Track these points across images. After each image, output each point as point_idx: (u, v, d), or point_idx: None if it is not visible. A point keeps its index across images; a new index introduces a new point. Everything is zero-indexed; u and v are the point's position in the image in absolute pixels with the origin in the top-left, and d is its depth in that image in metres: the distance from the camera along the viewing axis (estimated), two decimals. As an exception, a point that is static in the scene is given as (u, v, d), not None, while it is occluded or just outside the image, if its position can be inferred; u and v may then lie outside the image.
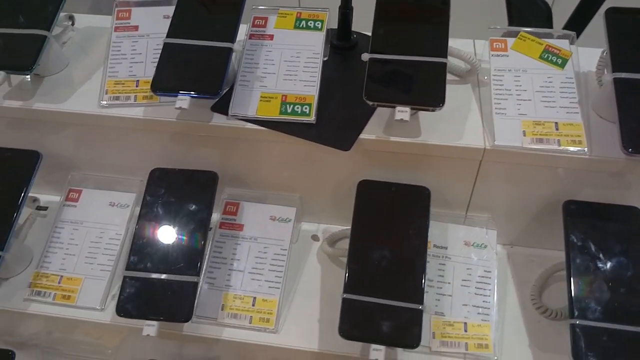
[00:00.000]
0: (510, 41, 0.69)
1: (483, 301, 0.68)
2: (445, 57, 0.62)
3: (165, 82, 0.64)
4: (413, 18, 0.66)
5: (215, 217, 0.72)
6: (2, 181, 0.71)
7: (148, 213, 0.68)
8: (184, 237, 0.67)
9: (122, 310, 0.64)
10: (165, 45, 0.67)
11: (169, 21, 0.68)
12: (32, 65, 0.66)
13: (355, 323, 0.61)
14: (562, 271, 0.70)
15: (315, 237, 0.78)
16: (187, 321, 0.63)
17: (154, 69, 0.68)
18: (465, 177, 0.69)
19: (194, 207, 0.68)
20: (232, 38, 0.66)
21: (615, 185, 0.66)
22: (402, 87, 0.61)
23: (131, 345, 0.77)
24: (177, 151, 0.73)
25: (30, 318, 0.74)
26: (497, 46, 0.69)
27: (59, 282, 0.71)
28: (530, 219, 0.73)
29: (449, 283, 0.69)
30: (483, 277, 0.69)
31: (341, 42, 0.73)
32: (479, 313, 0.67)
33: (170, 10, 0.70)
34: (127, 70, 0.70)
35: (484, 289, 0.68)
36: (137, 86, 0.69)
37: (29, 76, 0.72)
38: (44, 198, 0.80)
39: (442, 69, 0.62)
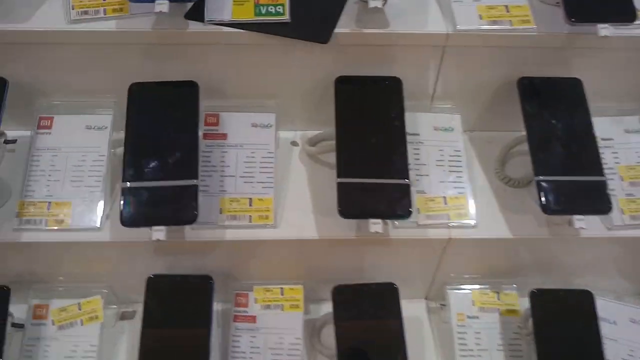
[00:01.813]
0: None
1: (457, 177, 0.75)
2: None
3: (140, -12, 0.64)
4: None
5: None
6: (-31, 111, 0.68)
7: (135, 126, 0.69)
8: (176, 144, 0.68)
9: (128, 220, 0.65)
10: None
11: None
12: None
13: (352, 203, 0.67)
14: (519, 146, 0.80)
15: (294, 143, 0.81)
16: (192, 222, 0.65)
17: (119, -19, 0.67)
18: (430, 66, 0.75)
19: (180, 115, 0.69)
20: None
21: (558, 60, 0.75)
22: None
23: (123, 271, 0.78)
24: (150, 65, 0.72)
25: (15, 254, 0.73)
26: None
27: (47, 209, 0.70)
28: (487, 104, 0.81)
29: (425, 164, 0.76)
30: (453, 156, 0.77)
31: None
32: (454, 187, 0.75)
33: None
34: (90, -15, 0.68)
35: (456, 166, 0.76)
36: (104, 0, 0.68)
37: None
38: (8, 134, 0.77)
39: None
